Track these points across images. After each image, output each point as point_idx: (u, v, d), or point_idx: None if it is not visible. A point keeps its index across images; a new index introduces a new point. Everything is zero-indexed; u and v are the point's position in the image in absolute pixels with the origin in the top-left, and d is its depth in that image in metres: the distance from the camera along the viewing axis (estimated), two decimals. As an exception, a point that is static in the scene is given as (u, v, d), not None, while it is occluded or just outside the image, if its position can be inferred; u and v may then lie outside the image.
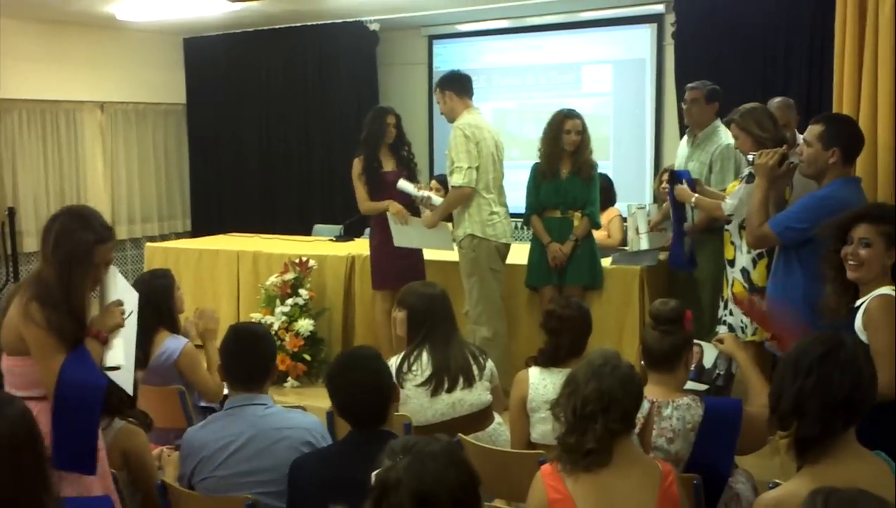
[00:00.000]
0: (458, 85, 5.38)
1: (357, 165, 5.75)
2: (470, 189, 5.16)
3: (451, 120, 5.37)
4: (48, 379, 2.71)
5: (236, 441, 2.88)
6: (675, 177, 4.82)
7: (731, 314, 4.44)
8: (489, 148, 5.25)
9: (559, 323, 3.44)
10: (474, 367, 3.59)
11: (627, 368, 2.41)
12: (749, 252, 4.34)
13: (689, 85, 5.30)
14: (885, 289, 2.89)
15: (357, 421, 2.68)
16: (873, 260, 2.93)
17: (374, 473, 1.82)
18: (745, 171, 4.19)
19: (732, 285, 4.45)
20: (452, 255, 5.50)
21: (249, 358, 3.02)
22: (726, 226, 4.50)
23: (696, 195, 4.68)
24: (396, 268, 5.50)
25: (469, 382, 3.55)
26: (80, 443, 2.72)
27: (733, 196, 4.32)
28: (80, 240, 2.81)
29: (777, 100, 5.28)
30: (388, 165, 5.73)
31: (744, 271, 4.38)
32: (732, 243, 4.45)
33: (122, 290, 3.02)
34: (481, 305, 5.22)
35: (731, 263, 4.46)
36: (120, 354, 2.87)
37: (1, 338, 2.83)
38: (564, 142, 5.20)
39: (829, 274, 3.06)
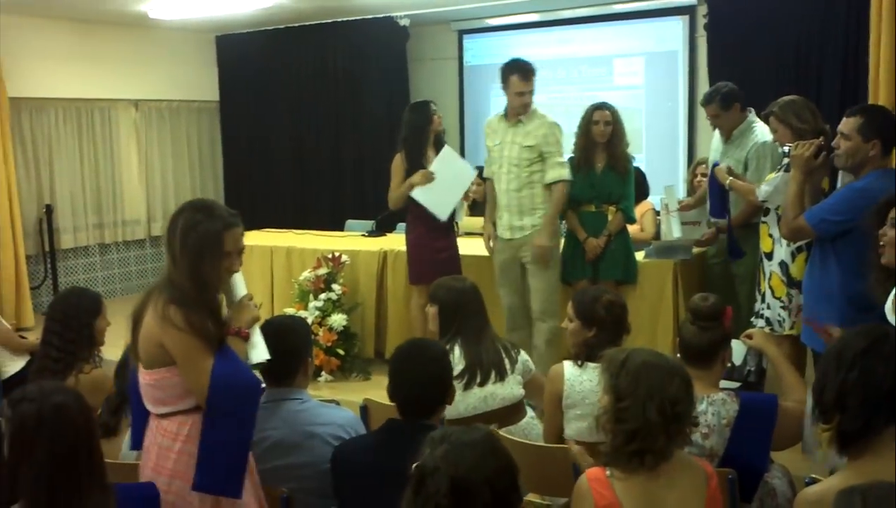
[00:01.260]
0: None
1: (398, 159, 5.62)
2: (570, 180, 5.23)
3: (525, 112, 5.30)
4: (200, 384, 2.51)
5: (271, 437, 2.89)
6: (714, 165, 4.89)
7: (768, 307, 4.40)
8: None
9: (606, 311, 3.35)
10: (506, 361, 3.60)
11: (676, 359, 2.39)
12: (789, 245, 4.27)
13: (702, 102, 5.19)
14: None
15: (408, 411, 2.71)
16: None
17: (414, 464, 1.83)
18: (784, 161, 4.15)
19: (770, 278, 4.40)
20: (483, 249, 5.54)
21: (274, 351, 3.01)
22: (763, 218, 4.45)
23: (731, 178, 4.69)
24: (432, 263, 5.47)
25: (501, 376, 3.56)
26: (231, 457, 2.53)
27: (769, 183, 4.27)
28: (208, 231, 2.59)
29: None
30: (431, 160, 5.59)
31: (782, 264, 4.32)
32: (770, 235, 4.38)
33: (240, 281, 2.83)
34: (557, 295, 5.22)
35: (769, 256, 4.40)
36: (263, 349, 2.72)
37: (139, 353, 2.62)
38: (594, 133, 5.20)
39: (872, 260, 3.03)
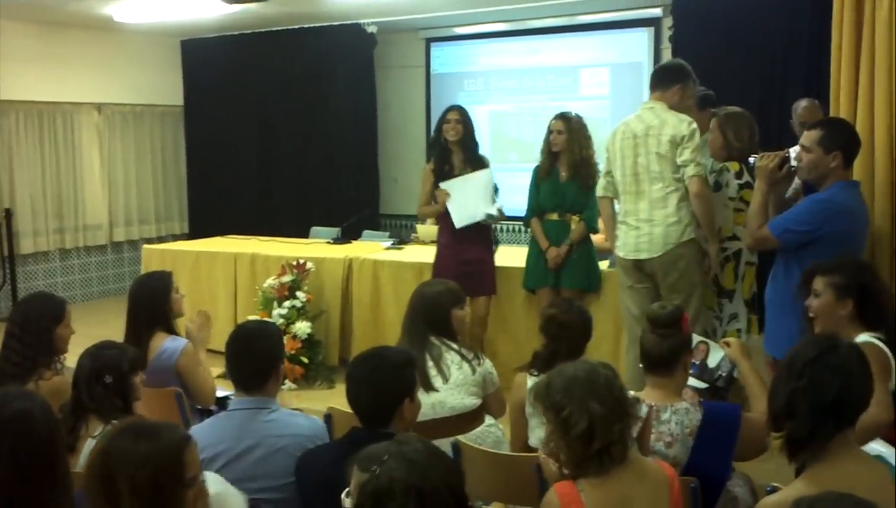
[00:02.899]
0: (651, 78, 4.70)
1: (426, 168, 5.51)
2: (603, 198, 4.75)
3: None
4: None
5: (237, 446, 2.84)
6: None
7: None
8: (622, 152, 4.53)
9: (559, 329, 3.42)
10: (456, 372, 3.56)
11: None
12: (717, 256, 4.44)
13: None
14: (863, 337, 2.98)
15: (362, 419, 2.69)
16: (824, 311, 3.10)
17: (344, 494, 1.77)
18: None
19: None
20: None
21: (244, 358, 2.95)
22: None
23: None
24: (455, 275, 5.19)
25: (444, 379, 3.54)
26: None
27: None
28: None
29: (804, 101, 5.27)
30: (459, 169, 5.40)
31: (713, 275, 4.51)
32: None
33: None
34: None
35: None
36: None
37: None
38: (550, 141, 5.23)
39: (806, 331, 3.18)
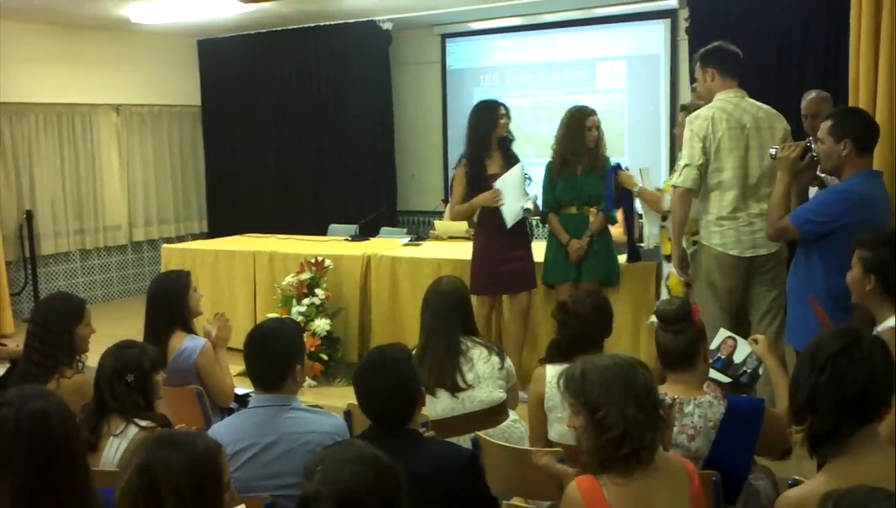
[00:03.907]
0: (724, 62, 4.38)
1: (460, 170, 5.36)
2: (684, 189, 4.28)
3: (708, 102, 4.41)
4: None
5: (258, 444, 2.85)
6: (618, 166, 5.08)
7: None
8: (729, 144, 4.23)
9: (564, 316, 3.40)
10: (484, 365, 3.58)
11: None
12: (688, 247, 4.46)
13: (682, 105, 5.20)
14: (890, 321, 2.92)
15: (379, 423, 2.65)
16: (854, 285, 3.07)
17: None
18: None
19: (668, 278, 4.69)
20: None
21: (260, 359, 2.97)
22: (663, 224, 4.68)
23: (640, 185, 4.86)
24: (495, 275, 5.30)
25: (473, 379, 3.55)
26: None
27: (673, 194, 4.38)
28: None
29: (812, 93, 5.24)
30: (494, 166, 5.29)
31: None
32: (670, 239, 4.59)
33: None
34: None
35: (668, 258, 4.66)
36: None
37: None
38: (588, 139, 5.19)
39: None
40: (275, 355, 2.98)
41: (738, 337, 3.36)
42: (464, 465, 2.55)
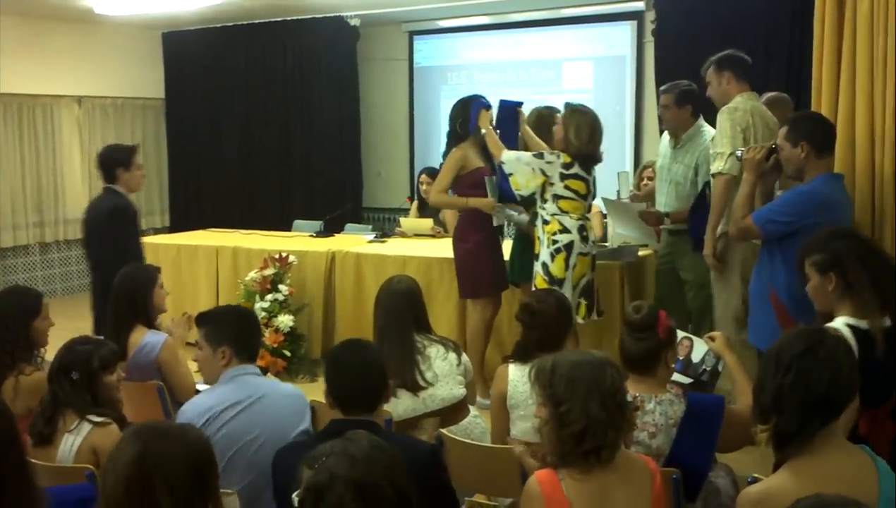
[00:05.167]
0: (739, 66, 4.58)
1: (457, 153, 5.16)
2: (730, 176, 4.26)
3: (721, 105, 4.51)
4: None
5: (248, 399, 3.00)
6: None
7: None
8: (762, 137, 4.33)
9: (530, 317, 3.42)
10: (441, 363, 3.59)
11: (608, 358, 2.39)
12: (549, 246, 4.64)
13: (662, 88, 5.28)
14: (835, 323, 2.87)
15: (347, 406, 2.66)
16: (816, 294, 3.01)
17: (294, 494, 1.78)
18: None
19: (535, 278, 4.78)
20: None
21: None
22: (534, 223, 4.83)
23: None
24: (501, 268, 5.22)
25: (433, 377, 3.55)
26: None
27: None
28: None
29: (771, 95, 5.21)
30: (477, 162, 5.17)
31: (544, 265, 4.72)
32: (538, 238, 4.76)
33: None
34: (720, 312, 4.61)
35: (536, 257, 4.77)
36: None
37: None
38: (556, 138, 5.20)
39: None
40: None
41: (693, 337, 3.38)
42: (427, 456, 2.58)
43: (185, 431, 2.02)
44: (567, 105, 4.83)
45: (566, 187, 4.69)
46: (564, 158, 4.69)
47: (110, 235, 5.14)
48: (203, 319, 3.28)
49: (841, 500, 1.64)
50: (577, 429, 2.19)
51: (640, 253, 5.42)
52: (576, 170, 4.69)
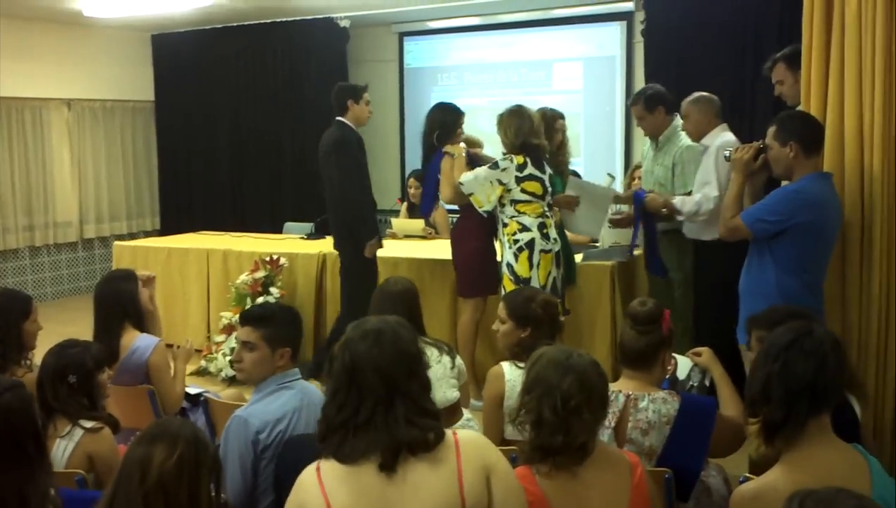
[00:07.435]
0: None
1: (460, 158, 5.21)
2: None
3: (795, 104, 4.26)
4: None
5: (302, 403, 3.00)
6: (638, 197, 4.99)
7: None
8: None
9: (554, 309, 3.42)
10: (436, 366, 3.56)
11: (588, 355, 2.40)
12: (511, 247, 4.74)
13: (629, 103, 5.28)
14: None
15: None
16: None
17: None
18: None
19: (502, 279, 4.90)
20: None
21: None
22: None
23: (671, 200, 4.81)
24: (493, 274, 5.16)
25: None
26: None
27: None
28: None
29: (696, 94, 4.83)
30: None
31: (508, 266, 4.84)
32: (500, 242, 4.91)
33: None
34: None
35: (500, 261, 4.89)
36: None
37: None
38: (555, 141, 5.29)
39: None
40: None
41: (676, 355, 3.35)
42: None
43: (185, 427, 2.11)
44: (502, 112, 5.02)
45: (522, 190, 4.87)
46: (517, 160, 4.86)
47: (334, 163, 5.62)
48: (258, 319, 3.09)
49: (833, 492, 1.65)
50: (532, 420, 2.30)
51: (636, 252, 5.42)
52: (530, 170, 4.85)
